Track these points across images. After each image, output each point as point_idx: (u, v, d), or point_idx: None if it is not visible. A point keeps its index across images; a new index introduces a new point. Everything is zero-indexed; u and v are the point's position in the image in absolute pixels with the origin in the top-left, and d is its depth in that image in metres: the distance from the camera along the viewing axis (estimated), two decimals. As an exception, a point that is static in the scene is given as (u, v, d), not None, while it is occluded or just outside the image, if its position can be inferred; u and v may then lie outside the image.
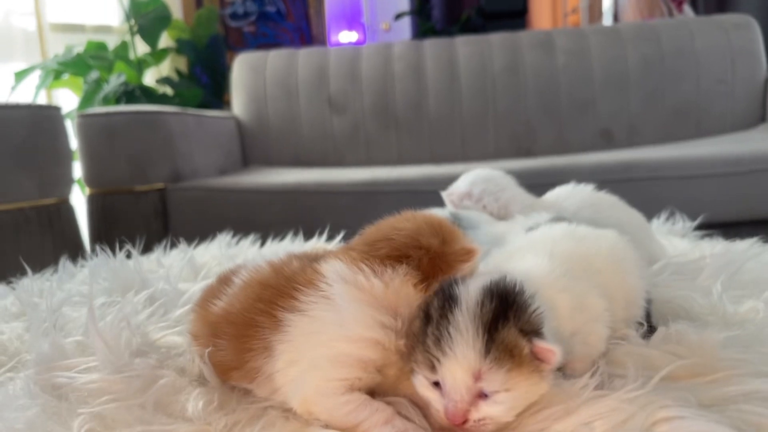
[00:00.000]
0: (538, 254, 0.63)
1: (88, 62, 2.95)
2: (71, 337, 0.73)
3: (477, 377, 0.49)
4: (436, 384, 0.51)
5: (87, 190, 1.98)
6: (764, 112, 2.37)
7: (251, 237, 1.41)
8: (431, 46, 2.55)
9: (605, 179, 1.57)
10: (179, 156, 2.05)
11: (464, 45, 2.53)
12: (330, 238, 1.38)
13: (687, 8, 3.14)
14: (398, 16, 4.85)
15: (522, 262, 0.62)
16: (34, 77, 2.86)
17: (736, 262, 0.96)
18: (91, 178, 1.97)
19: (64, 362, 0.66)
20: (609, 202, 1.04)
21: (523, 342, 0.50)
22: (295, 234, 1.45)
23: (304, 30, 4.12)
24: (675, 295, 0.83)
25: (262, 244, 1.39)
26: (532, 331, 0.50)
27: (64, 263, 1.15)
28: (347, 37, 4.63)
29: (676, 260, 1.01)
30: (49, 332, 0.74)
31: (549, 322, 0.53)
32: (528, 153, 2.40)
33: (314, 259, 0.61)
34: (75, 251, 1.73)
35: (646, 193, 1.77)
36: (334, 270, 0.57)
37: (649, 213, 1.39)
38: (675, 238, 1.27)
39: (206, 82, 3.61)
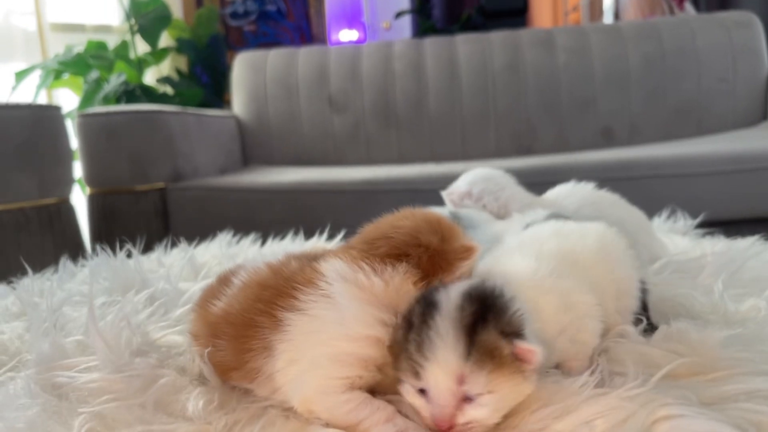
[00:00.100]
0: (525, 255, 0.64)
1: (88, 62, 2.95)
2: (72, 337, 0.73)
3: (460, 381, 0.50)
4: (422, 391, 0.52)
5: (87, 190, 1.98)
6: (766, 110, 2.36)
7: (252, 236, 1.41)
8: (432, 44, 2.55)
9: (606, 177, 1.57)
10: (180, 155, 2.05)
11: (465, 43, 2.53)
12: (330, 237, 1.38)
13: (688, 6, 3.13)
14: (399, 15, 4.85)
15: (509, 264, 0.63)
16: (35, 77, 2.87)
17: (738, 261, 0.97)
18: (91, 178, 1.97)
19: (64, 362, 0.66)
20: (609, 200, 1.04)
21: (503, 343, 0.50)
22: (296, 233, 1.45)
23: (304, 29, 4.12)
24: (676, 293, 0.83)
25: (263, 243, 1.39)
26: (513, 333, 0.51)
27: (65, 263, 1.15)
28: (347, 35, 4.63)
29: (677, 258, 1.01)
30: (50, 332, 0.74)
31: (532, 323, 0.53)
32: (529, 151, 2.40)
33: (313, 258, 0.61)
34: (75, 251, 1.73)
35: (647, 191, 1.76)
36: (334, 269, 0.57)
37: (650, 211, 1.39)
38: (676, 236, 1.27)
39: (206, 81, 3.61)
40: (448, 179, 1.20)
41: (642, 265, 0.87)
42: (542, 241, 0.67)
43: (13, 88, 2.79)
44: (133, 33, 3.15)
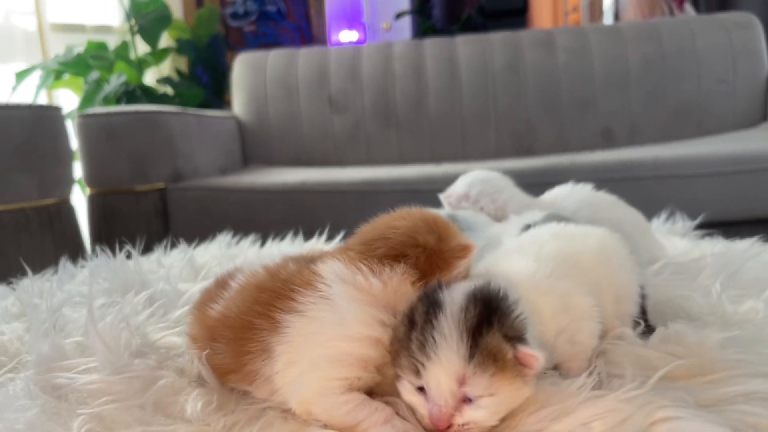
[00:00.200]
0: (524, 256, 0.64)
1: (88, 62, 2.95)
2: (71, 338, 0.73)
3: (461, 382, 0.50)
4: (421, 389, 0.52)
5: (87, 190, 1.99)
6: (765, 112, 2.36)
7: (251, 237, 1.41)
8: (432, 45, 2.55)
9: (606, 178, 1.58)
10: (180, 156, 2.05)
11: (465, 44, 2.53)
12: (330, 237, 1.38)
13: (688, 7, 3.13)
14: (399, 16, 4.85)
15: (508, 264, 0.63)
16: (35, 77, 2.87)
17: (736, 262, 0.97)
18: (91, 178, 1.97)
19: (64, 363, 0.66)
20: (608, 201, 1.04)
21: (506, 347, 0.50)
22: (295, 234, 1.45)
23: (304, 29, 4.12)
24: (674, 294, 0.83)
25: (263, 244, 1.39)
26: (516, 337, 0.51)
27: (65, 264, 1.15)
28: (348, 36, 4.63)
29: (676, 260, 1.01)
30: (49, 333, 0.74)
31: (533, 327, 0.53)
32: (529, 152, 2.40)
33: (310, 261, 0.61)
34: (75, 251, 1.74)
35: (647, 192, 1.77)
36: (332, 270, 0.57)
37: (650, 212, 1.39)
38: (675, 238, 1.27)
39: (207, 81, 3.61)
40: (448, 180, 1.20)
41: (641, 267, 0.88)
42: (542, 243, 0.67)
43: (14, 89, 2.79)
44: (133, 33, 3.15)
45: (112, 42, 3.17)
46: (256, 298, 0.58)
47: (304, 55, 2.60)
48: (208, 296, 0.64)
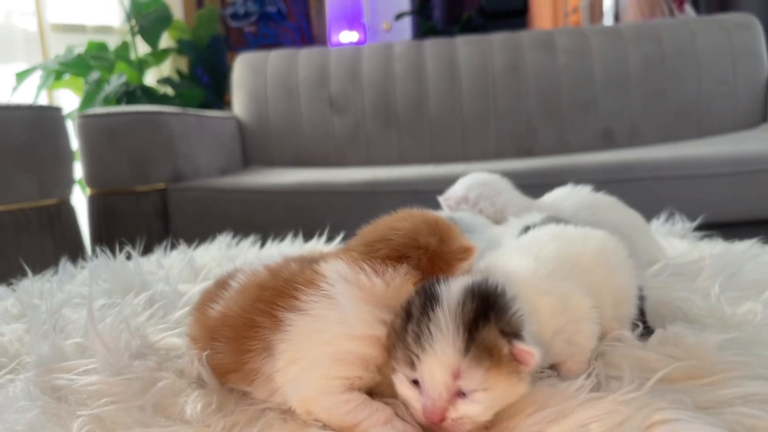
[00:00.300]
0: (524, 257, 0.64)
1: (89, 62, 2.96)
2: (71, 339, 0.73)
3: (456, 375, 0.50)
4: (416, 383, 0.52)
5: (88, 191, 1.99)
6: (765, 113, 2.36)
7: (251, 238, 1.41)
8: (432, 46, 2.55)
9: (606, 179, 1.58)
10: (180, 156, 2.05)
11: (465, 45, 2.53)
12: (330, 238, 1.38)
13: (688, 8, 3.13)
14: (399, 16, 4.85)
15: (507, 263, 0.63)
16: (35, 78, 2.87)
17: (735, 264, 0.97)
18: (91, 179, 1.97)
19: (63, 364, 0.66)
20: (607, 203, 1.04)
21: (502, 342, 0.50)
22: (295, 235, 1.46)
23: (304, 30, 4.12)
24: (673, 296, 0.83)
25: (262, 245, 1.39)
26: (512, 333, 0.51)
27: (64, 264, 1.15)
28: (348, 37, 4.63)
29: (675, 261, 1.01)
30: (49, 334, 0.74)
31: (530, 325, 0.54)
32: (529, 153, 2.40)
33: (312, 261, 0.62)
34: (75, 252, 1.74)
35: (647, 193, 1.77)
36: (335, 270, 0.57)
37: (650, 213, 1.39)
38: (674, 239, 1.28)
39: (207, 82, 3.61)
40: (448, 180, 1.20)
41: (640, 268, 0.88)
42: (542, 245, 0.67)
43: (14, 89, 2.79)
44: (133, 34, 3.16)
45: (113, 42, 3.17)
46: (258, 296, 0.59)
47: (305, 55, 2.60)
48: (208, 297, 0.65)
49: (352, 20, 4.66)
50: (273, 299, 0.57)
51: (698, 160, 1.81)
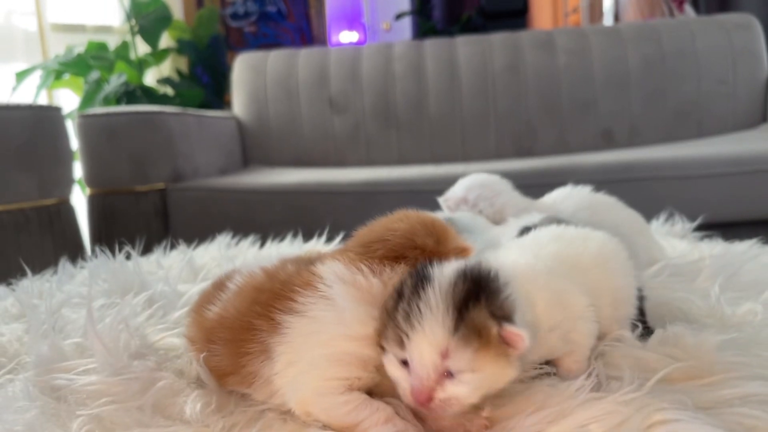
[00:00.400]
0: (523, 254, 0.64)
1: (88, 62, 2.96)
2: (70, 339, 0.73)
3: (444, 355, 0.49)
4: (405, 363, 0.52)
5: (87, 191, 1.99)
6: (765, 113, 2.36)
7: (251, 238, 1.42)
8: (432, 46, 2.55)
9: (606, 179, 1.58)
10: (180, 156, 2.05)
11: (465, 45, 2.53)
12: (330, 238, 1.38)
13: (688, 8, 3.13)
14: (399, 16, 4.85)
15: (506, 258, 0.63)
16: (35, 77, 2.87)
17: (735, 264, 0.97)
18: (91, 178, 1.97)
19: (63, 364, 0.66)
20: (607, 203, 1.04)
21: (491, 323, 0.50)
22: (295, 235, 1.46)
23: (304, 30, 4.12)
24: (673, 296, 0.83)
25: (262, 245, 1.39)
26: (503, 316, 0.51)
27: (64, 264, 1.15)
28: (348, 37, 4.63)
29: (674, 261, 1.01)
30: (49, 334, 0.74)
31: (525, 314, 0.53)
32: (529, 153, 2.40)
33: (308, 262, 0.61)
34: (75, 251, 1.74)
35: (647, 193, 1.77)
36: (332, 271, 0.57)
37: (650, 213, 1.39)
38: (674, 239, 1.28)
39: (207, 82, 3.61)
40: (448, 180, 1.20)
41: (639, 269, 0.88)
42: (542, 244, 0.67)
43: (14, 89, 2.79)
44: (133, 33, 3.16)
45: (113, 42, 3.17)
46: (254, 298, 0.58)
47: (305, 55, 2.60)
48: (206, 298, 0.64)
49: (352, 20, 4.66)
50: (270, 302, 0.57)
51: (698, 160, 1.81)
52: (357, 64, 2.54)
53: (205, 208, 1.97)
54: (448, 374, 0.50)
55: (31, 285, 1.03)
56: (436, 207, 1.16)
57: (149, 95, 2.95)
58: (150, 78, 3.40)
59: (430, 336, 0.50)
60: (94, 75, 2.94)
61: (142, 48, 3.23)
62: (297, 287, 0.57)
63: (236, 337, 0.58)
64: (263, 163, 2.52)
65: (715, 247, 1.16)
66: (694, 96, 2.39)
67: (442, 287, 0.51)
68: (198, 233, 1.50)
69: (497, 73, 2.46)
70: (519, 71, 2.45)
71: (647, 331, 0.69)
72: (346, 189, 1.91)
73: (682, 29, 2.44)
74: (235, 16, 4.04)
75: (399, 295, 0.53)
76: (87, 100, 2.88)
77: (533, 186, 1.28)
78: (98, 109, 2.05)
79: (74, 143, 1.96)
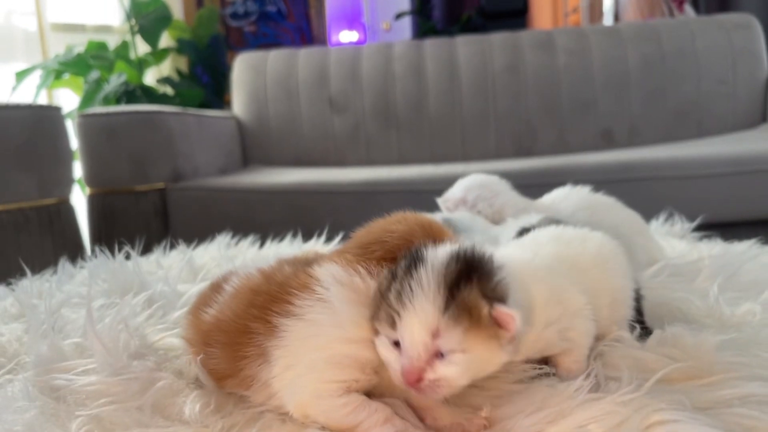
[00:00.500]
0: (522, 252, 0.64)
1: (88, 62, 2.96)
2: (70, 339, 0.73)
3: (435, 334, 0.49)
4: (397, 345, 0.52)
5: (87, 190, 1.99)
6: (765, 113, 2.36)
7: (250, 238, 1.41)
8: (432, 45, 2.55)
9: (606, 179, 1.58)
10: (180, 156, 2.05)
11: (465, 45, 2.53)
12: (330, 238, 1.38)
13: (688, 8, 3.13)
14: (399, 16, 4.85)
15: (505, 253, 0.63)
16: (35, 77, 2.87)
17: (734, 264, 0.97)
18: (91, 178, 1.97)
19: (62, 364, 0.66)
20: (606, 204, 1.04)
21: (483, 303, 0.50)
22: (294, 235, 1.46)
23: (304, 30, 4.12)
24: (672, 297, 0.83)
25: (261, 245, 1.39)
26: (495, 298, 0.51)
27: (64, 264, 1.15)
28: (348, 36, 4.63)
29: (674, 262, 1.02)
30: (48, 334, 0.74)
31: (520, 300, 0.53)
32: (529, 153, 2.40)
33: (306, 263, 0.61)
34: (75, 251, 1.74)
35: (647, 193, 1.77)
36: (329, 273, 0.57)
37: (650, 213, 1.40)
38: (673, 240, 1.28)
39: (207, 81, 3.61)
40: (448, 180, 1.20)
41: (638, 269, 0.88)
42: (541, 244, 0.67)
43: (14, 89, 2.79)
44: (133, 33, 3.16)
45: (113, 42, 3.17)
46: (251, 301, 0.58)
47: (304, 55, 2.60)
48: (203, 300, 0.64)
49: (352, 20, 4.66)
50: (267, 304, 0.57)
51: (698, 160, 1.81)
52: (357, 64, 2.54)
53: (205, 207, 1.97)
54: (439, 355, 0.50)
55: (30, 285, 1.03)
56: (435, 207, 1.16)
57: (149, 95, 2.95)
58: (150, 78, 3.40)
59: (420, 315, 0.50)
60: (94, 75, 2.94)
61: (142, 48, 3.23)
62: (294, 290, 0.57)
63: (233, 340, 0.58)
64: (263, 163, 2.52)
65: (715, 248, 1.16)
66: (693, 96, 2.39)
67: (435, 267, 0.51)
68: (198, 233, 1.50)
69: (497, 73, 2.46)
70: (519, 71, 2.45)
71: (646, 332, 0.69)
72: (346, 189, 1.91)
73: (681, 29, 2.44)
74: (234, 15, 4.04)
75: (392, 275, 0.53)
76: (87, 100, 2.89)
77: (533, 186, 1.28)
78: (98, 109, 2.05)
79: (74, 143, 1.96)
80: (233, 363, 0.58)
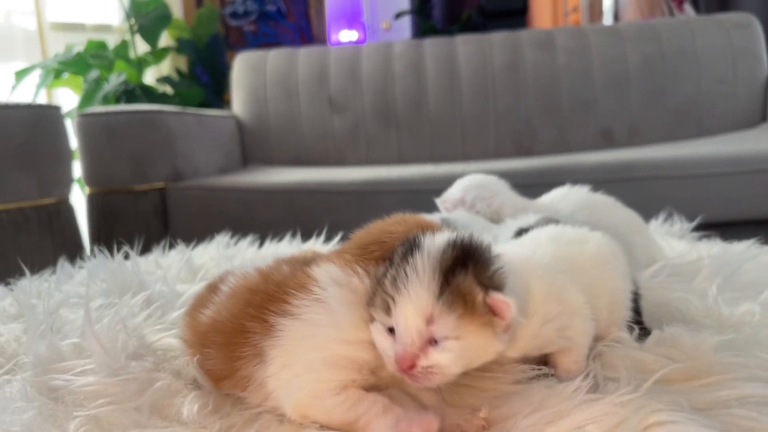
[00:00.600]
0: (522, 250, 0.64)
1: (88, 61, 2.95)
2: (68, 340, 0.73)
3: (429, 320, 0.49)
4: (392, 331, 0.52)
5: (87, 190, 1.99)
6: (765, 112, 2.36)
7: (249, 238, 1.41)
8: (431, 45, 2.55)
9: (605, 179, 1.58)
10: (179, 155, 2.05)
11: (464, 44, 2.53)
12: (329, 238, 1.38)
13: (688, 7, 3.13)
14: (398, 15, 4.85)
15: (504, 248, 0.63)
16: (35, 76, 2.87)
17: (734, 264, 0.97)
18: (91, 178, 1.97)
19: (60, 365, 0.66)
20: (605, 203, 1.04)
21: (477, 290, 0.50)
22: (293, 235, 1.45)
23: (304, 29, 4.12)
24: (671, 297, 0.83)
25: (261, 244, 1.39)
26: (491, 286, 0.50)
27: (62, 264, 1.15)
28: (347, 36, 4.63)
29: (673, 262, 1.01)
30: (47, 334, 0.74)
31: (517, 291, 0.53)
32: (528, 152, 2.40)
33: (304, 263, 0.61)
34: (74, 251, 1.74)
35: (647, 192, 1.77)
36: (326, 273, 0.57)
37: (649, 213, 1.39)
38: (673, 240, 1.27)
39: (206, 81, 3.61)
40: (448, 180, 1.20)
41: (638, 269, 0.88)
42: (540, 244, 0.67)
43: (13, 88, 2.79)
44: (133, 32, 3.16)
45: (112, 41, 3.17)
46: (248, 301, 0.58)
47: (304, 54, 2.60)
48: (200, 301, 0.64)
49: (352, 19, 4.65)
50: (264, 304, 0.57)
51: (698, 160, 1.81)
52: (356, 63, 2.54)
53: (204, 207, 1.97)
54: (433, 341, 0.50)
55: (29, 285, 1.03)
56: (435, 207, 1.16)
57: (148, 94, 2.95)
58: (149, 77, 3.40)
59: (414, 300, 0.50)
60: (94, 74, 2.94)
61: (141, 47, 3.23)
62: (291, 290, 0.57)
63: (229, 341, 0.58)
64: (263, 163, 2.52)
65: (714, 247, 1.16)
66: (693, 95, 2.38)
67: (431, 254, 0.51)
68: (197, 232, 1.50)
69: (497, 72, 2.46)
70: (519, 70, 2.44)
71: (644, 332, 0.69)
72: (346, 188, 1.91)
73: (681, 28, 2.44)
74: (234, 15, 4.04)
75: (390, 262, 0.53)
76: (86, 99, 2.88)
77: (533, 185, 1.28)
78: (97, 108, 2.05)
79: (73, 142, 1.96)
80: (229, 364, 0.58)
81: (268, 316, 0.56)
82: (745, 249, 1.11)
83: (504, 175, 1.17)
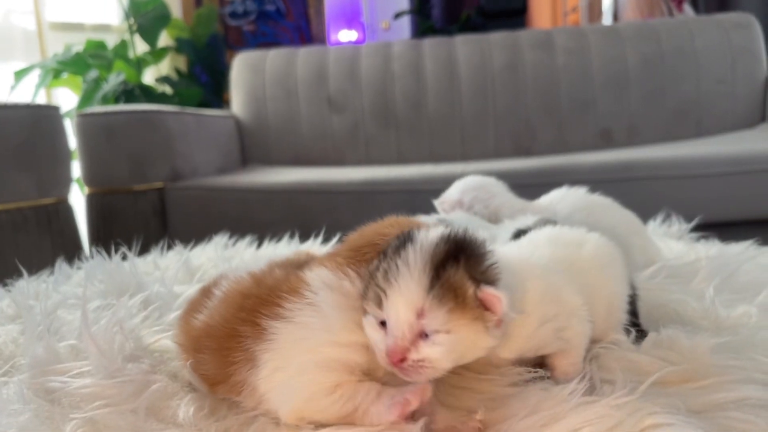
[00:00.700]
0: (519, 251, 0.64)
1: (87, 61, 2.95)
2: (65, 341, 0.73)
3: (420, 314, 0.50)
4: (384, 325, 0.52)
5: (86, 190, 1.99)
6: (764, 112, 2.36)
7: (248, 238, 1.41)
8: (431, 45, 2.55)
9: (605, 179, 1.58)
10: (178, 155, 2.05)
11: (464, 44, 2.52)
12: (328, 238, 1.38)
13: (687, 7, 3.13)
14: (398, 15, 4.85)
15: (502, 248, 0.63)
16: (34, 76, 2.87)
17: (731, 265, 0.97)
18: (90, 178, 1.97)
19: (57, 366, 0.66)
20: (603, 204, 1.04)
21: (468, 284, 0.50)
22: (291, 236, 1.45)
23: (303, 29, 4.12)
24: (669, 298, 0.83)
25: (259, 245, 1.39)
26: (483, 281, 0.50)
27: (60, 265, 1.14)
28: (347, 36, 4.63)
29: (671, 263, 1.01)
30: (44, 336, 0.73)
31: (513, 290, 0.53)
32: (528, 152, 2.40)
33: (297, 266, 0.61)
34: (73, 251, 1.74)
35: (646, 192, 1.77)
36: (318, 277, 0.57)
37: (649, 213, 1.39)
38: (671, 240, 1.27)
39: (206, 81, 3.61)
40: (447, 180, 1.20)
41: (635, 270, 0.88)
42: (538, 245, 0.67)
43: (12, 88, 2.79)
44: (132, 32, 3.15)
45: (111, 41, 3.17)
46: (240, 305, 0.58)
47: (304, 54, 2.60)
48: (193, 305, 0.64)
49: (351, 19, 4.65)
50: (256, 308, 0.57)
51: (697, 160, 1.81)
52: (356, 63, 2.53)
53: (203, 207, 1.97)
54: (424, 335, 0.50)
55: (27, 286, 1.02)
56: (434, 207, 1.16)
57: (148, 94, 2.94)
58: (148, 77, 3.40)
59: (405, 293, 0.50)
60: (93, 74, 2.94)
61: (140, 47, 3.23)
62: (284, 293, 0.57)
63: (222, 345, 0.58)
64: (262, 163, 2.51)
65: (712, 248, 1.16)
66: (693, 95, 2.38)
67: (423, 247, 0.51)
68: (196, 232, 1.50)
69: (496, 72, 2.45)
70: (518, 70, 2.44)
71: (641, 334, 0.68)
72: (345, 188, 1.91)
73: (681, 28, 2.44)
74: (233, 14, 4.04)
75: (383, 255, 0.53)
76: (85, 99, 2.88)
77: (532, 185, 1.28)
78: (97, 108, 2.05)
79: (72, 142, 1.96)
80: (223, 369, 0.58)
81: (260, 320, 0.56)
82: (743, 250, 1.11)
83: (503, 175, 1.18)
